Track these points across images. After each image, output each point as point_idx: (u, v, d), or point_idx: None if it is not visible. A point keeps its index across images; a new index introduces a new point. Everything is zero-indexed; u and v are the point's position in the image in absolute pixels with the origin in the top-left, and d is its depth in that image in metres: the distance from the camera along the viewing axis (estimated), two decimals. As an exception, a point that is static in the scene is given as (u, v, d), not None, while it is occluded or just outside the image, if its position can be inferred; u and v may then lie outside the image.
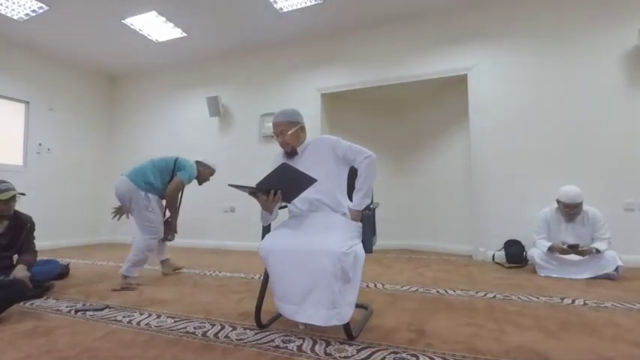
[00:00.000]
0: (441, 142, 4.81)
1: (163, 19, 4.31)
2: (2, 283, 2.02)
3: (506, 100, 3.89)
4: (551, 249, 3.02)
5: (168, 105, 5.73)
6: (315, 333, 1.66)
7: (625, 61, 3.49)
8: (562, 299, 2.25)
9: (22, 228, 2.50)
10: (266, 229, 1.86)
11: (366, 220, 1.76)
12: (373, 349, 1.47)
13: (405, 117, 5.17)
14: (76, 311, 2.05)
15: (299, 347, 1.51)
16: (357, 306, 1.77)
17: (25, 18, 4.21)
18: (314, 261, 1.50)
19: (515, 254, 3.55)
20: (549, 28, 3.78)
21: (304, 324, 1.69)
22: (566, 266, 2.96)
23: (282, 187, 1.67)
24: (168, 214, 3.13)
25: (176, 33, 4.64)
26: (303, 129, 1.94)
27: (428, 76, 4.24)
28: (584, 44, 3.64)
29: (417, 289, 2.54)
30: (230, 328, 1.75)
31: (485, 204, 3.90)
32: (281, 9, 4.08)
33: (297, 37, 4.77)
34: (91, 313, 2.02)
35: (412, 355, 1.41)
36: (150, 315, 1.98)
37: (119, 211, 3.08)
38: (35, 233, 2.62)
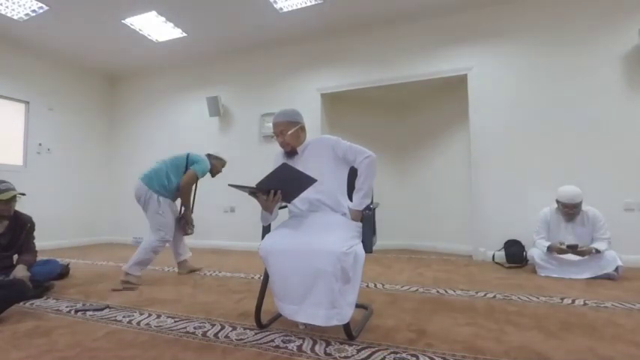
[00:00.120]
0: (441, 142, 4.81)
1: (163, 19, 4.31)
2: (2, 283, 2.02)
3: (506, 100, 3.89)
4: (549, 249, 3.02)
5: (168, 105, 5.73)
6: (315, 333, 1.66)
7: (625, 61, 3.49)
8: (562, 299, 2.25)
9: (22, 228, 2.50)
10: (266, 229, 1.86)
11: (366, 220, 1.76)
12: (373, 349, 1.47)
13: (405, 117, 5.17)
14: (76, 311, 2.05)
15: (299, 347, 1.51)
16: (357, 306, 1.77)
17: (25, 18, 4.21)
18: (314, 261, 1.50)
19: (515, 254, 3.55)
20: (549, 28, 3.78)
21: (304, 324, 1.69)
22: (566, 266, 2.96)
23: (282, 187, 1.67)
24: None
25: (176, 33, 4.64)
26: (303, 129, 1.94)
27: (428, 76, 4.24)
28: (584, 44, 3.64)
29: (417, 289, 2.54)
30: (230, 328, 1.75)
31: (485, 204, 3.90)
32: (281, 9, 4.08)
33: (297, 37, 4.77)
34: (91, 313, 2.02)
35: (412, 355, 1.41)
36: (150, 315, 1.98)
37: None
38: (35, 233, 2.62)
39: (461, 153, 4.42)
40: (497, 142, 3.89)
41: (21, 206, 2.52)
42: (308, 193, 1.74)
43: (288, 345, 1.53)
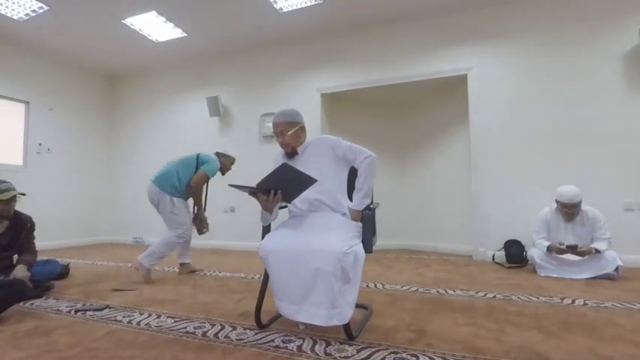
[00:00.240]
0: (441, 142, 4.81)
1: (163, 19, 4.31)
2: (2, 283, 2.02)
3: (506, 100, 3.89)
4: (549, 249, 3.02)
5: (168, 105, 5.73)
6: (315, 333, 1.66)
7: (625, 61, 3.49)
8: (562, 299, 2.25)
9: (22, 228, 2.50)
10: (266, 229, 1.86)
11: (366, 220, 1.76)
12: (373, 349, 1.47)
13: (405, 117, 5.17)
14: (76, 311, 2.05)
15: (299, 347, 1.51)
16: (357, 306, 1.77)
17: (25, 18, 4.21)
18: (314, 261, 1.50)
19: (515, 254, 3.55)
20: (549, 28, 3.78)
21: (304, 324, 1.69)
22: (566, 266, 2.96)
23: (282, 187, 1.67)
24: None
25: (176, 33, 4.64)
26: (303, 129, 1.94)
27: (428, 76, 4.25)
28: (584, 44, 3.64)
29: (417, 289, 2.54)
30: (230, 328, 1.75)
31: (485, 204, 3.90)
32: (281, 9, 4.08)
33: (297, 37, 4.77)
34: (91, 313, 2.02)
35: (412, 355, 1.41)
36: (150, 315, 1.98)
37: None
38: (35, 233, 2.62)
39: (461, 153, 4.42)
40: (498, 142, 3.89)
41: (21, 206, 2.52)
42: (308, 193, 1.74)
43: (288, 345, 1.53)
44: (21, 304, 2.16)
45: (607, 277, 2.82)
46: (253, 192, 1.68)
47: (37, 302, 2.24)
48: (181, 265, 3.27)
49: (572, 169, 3.55)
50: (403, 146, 5.16)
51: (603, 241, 2.94)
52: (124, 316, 1.96)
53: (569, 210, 3.04)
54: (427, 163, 4.97)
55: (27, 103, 5.06)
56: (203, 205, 3.23)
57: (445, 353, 1.43)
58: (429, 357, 1.40)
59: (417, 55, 4.31)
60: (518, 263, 3.49)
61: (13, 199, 2.41)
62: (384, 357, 1.40)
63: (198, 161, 3.11)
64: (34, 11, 4.08)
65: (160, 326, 1.79)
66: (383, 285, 2.68)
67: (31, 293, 2.22)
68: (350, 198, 1.87)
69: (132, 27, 4.47)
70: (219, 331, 1.71)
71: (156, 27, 4.49)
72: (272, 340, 1.58)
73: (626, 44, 3.48)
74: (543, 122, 3.72)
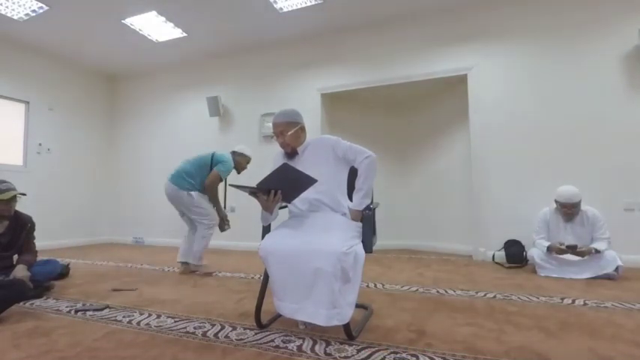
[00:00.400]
0: (441, 142, 4.81)
1: (163, 19, 4.31)
2: (2, 283, 2.02)
3: (506, 100, 3.89)
4: (549, 249, 3.02)
5: (168, 105, 5.73)
6: (315, 333, 1.66)
7: (625, 61, 3.49)
8: (562, 299, 2.25)
9: (22, 228, 2.50)
10: (266, 229, 1.86)
11: (366, 220, 1.76)
12: (373, 349, 1.47)
13: (405, 117, 5.17)
14: (76, 311, 2.05)
15: (299, 347, 1.51)
16: (357, 306, 1.77)
17: (25, 18, 4.21)
18: (314, 261, 1.50)
19: (515, 254, 3.55)
20: (549, 28, 3.78)
21: (304, 324, 1.70)
22: (566, 266, 2.96)
23: (282, 187, 1.67)
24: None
25: (176, 33, 4.64)
26: (303, 129, 1.94)
27: (428, 76, 4.24)
28: (584, 44, 3.64)
29: (417, 289, 2.54)
30: (230, 328, 1.75)
31: (485, 204, 3.90)
32: (281, 9, 4.08)
33: (297, 37, 4.77)
34: (91, 313, 2.02)
35: (412, 355, 1.41)
36: (150, 315, 1.98)
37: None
38: (35, 233, 2.61)
39: (461, 153, 4.42)
40: (497, 142, 3.89)
41: (21, 206, 2.52)
42: (308, 193, 1.74)
43: (288, 345, 1.53)
44: (21, 304, 2.16)
45: (607, 277, 2.82)
46: (253, 192, 1.68)
47: (37, 302, 2.24)
48: (182, 264, 3.27)
49: (572, 169, 3.56)
50: (403, 146, 5.16)
51: (603, 241, 2.94)
52: (124, 316, 1.96)
53: (569, 210, 3.04)
54: (427, 163, 4.97)
55: (27, 103, 5.05)
56: (223, 202, 3.31)
57: (445, 353, 1.43)
58: (429, 357, 1.40)
59: (417, 55, 4.31)
60: (518, 263, 3.49)
61: (14, 199, 2.41)
62: (384, 357, 1.40)
63: (213, 161, 3.15)
64: (34, 11, 4.08)
65: (160, 326, 1.79)
66: (383, 285, 2.68)
67: (31, 293, 2.22)
68: (350, 198, 1.87)
69: (132, 27, 4.47)
70: (219, 331, 1.71)
71: (156, 27, 4.50)
72: (272, 340, 1.58)
73: (626, 44, 3.48)
74: (543, 122, 3.72)
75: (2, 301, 1.90)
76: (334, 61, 4.71)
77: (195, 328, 1.76)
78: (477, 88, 4.02)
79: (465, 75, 4.09)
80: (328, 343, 1.54)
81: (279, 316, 1.84)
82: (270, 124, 2.23)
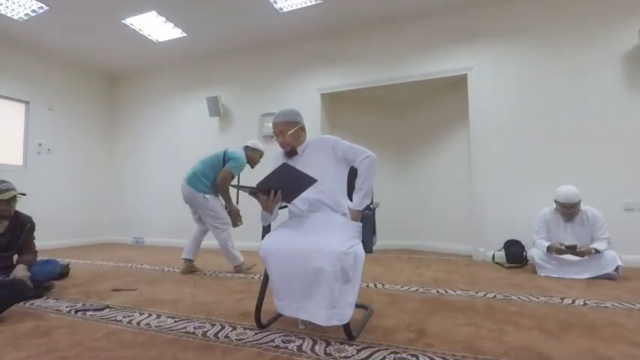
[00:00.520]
0: (441, 141, 4.81)
1: (163, 19, 4.31)
2: (2, 283, 2.02)
3: (506, 100, 3.89)
4: (549, 249, 3.02)
5: (168, 105, 5.73)
6: (315, 333, 1.66)
7: (625, 61, 3.49)
8: (562, 299, 2.25)
9: (22, 228, 2.50)
10: (266, 229, 1.86)
11: (366, 220, 1.76)
12: (373, 349, 1.47)
13: (405, 117, 5.17)
14: (76, 311, 2.05)
15: (299, 347, 1.51)
16: (357, 306, 1.77)
17: (25, 18, 4.21)
18: (314, 261, 1.50)
19: (515, 254, 3.55)
20: (549, 27, 3.78)
21: (304, 324, 1.70)
22: (566, 266, 2.96)
23: (282, 187, 1.67)
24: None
25: (176, 33, 4.64)
26: (303, 129, 1.94)
27: (428, 76, 4.24)
28: (584, 44, 3.64)
29: (417, 289, 2.54)
30: (230, 328, 1.75)
31: (485, 204, 3.90)
32: (281, 9, 4.08)
33: (297, 37, 4.77)
34: (91, 313, 2.02)
35: (412, 355, 1.41)
36: (150, 315, 1.98)
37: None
38: (35, 233, 2.61)
39: (461, 153, 4.42)
40: (497, 142, 3.89)
41: (21, 206, 2.52)
42: (308, 193, 1.74)
43: (288, 345, 1.53)
44: (21, 304, 2.16)
45: (607, 277, 2.82)
46: (253, 192, 1.68)
47: (37, 302, 2.24)
48: (185, 260, 3.28)
49: (572, 169, 3.56)
50: (403, 146, 5.16)
51: (603, 241, 2.94)
52: (124, 316, 1.96)
53: (568, 210, 3.04)
54: (427, 163, 4.97)
55: (27, 103, 5.05)
56: (235, 199, 3.34)
57: (445, 353, 1.43)
58: (429, 357, 1.40)
59: (417, 55, 4.31)
60: (518, 263, 3.49)
61: (14, 199, 2.41)
62: (384, 357, 1.40)
63: (225, 158, 3.19)
64: (34, 11, 4.08)
65: (160, 326, 1.79)
66: (383, 285, 2.68)
67: (31, 293, 2.22)
68: (350, 198, 1.87)
69: (132, 27, 4.47)
70: (219, 331, 1.72)
71: (156, 27, 4.49)
72: (272, 340, 1.58)
73: (626, 44, 3.48)
74: (543, 122, 3.72)
75: (2, 301, 1.90)
76: (334, 61, 4.71)
77: (195, 328, 1.76)
78: (476, 88, 4.02)
79: (465, 75, 4.09)
80: (328, 343, 1.54)
81: (279, 316, 1.84)
82: (270, 124, 2.23)
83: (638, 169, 3.38)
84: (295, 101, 4.65)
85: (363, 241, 1.70)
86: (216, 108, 5.09)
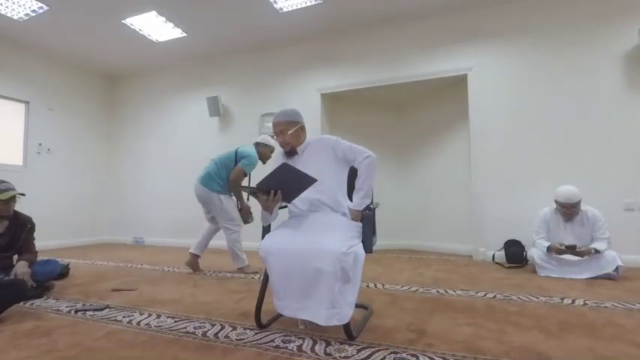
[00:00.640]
0: (441, 141, 4.81)
1: (163, 19, 4.31)
2: (2, 283, 2.02)
3: (506, 100, 3.89)
4: (549, 249, 3.02)
5: (168, 105, 5.73)
6: (315, 333, 1.66)
7: (625, 61, 3.49)
8: (562, 299, 2.25)
9: (22, 228, 2.50)
10: (266, 229, 1.86)
11: (366, 220, 1.76)
12: (373, 349, 1.47)
13: (405, 117, 5.17)
14: (76, 311, 2.05)
15: (299, 347, 1.51)
16: (357, 306, 1.77)
17: (25, 18, 4.21)
18: (314, 261, 1.50)
19: (515, 254, 3.55)
20: (549, 28, 3.78)
21: (304, 324, 1.70)
22: (566, 266, 2.96)
23: (282, 187, 1.67)
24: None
25: (176, 33, 4.64)
26: (303, 129, 1.94)
27: (428, 76, 4.25)
28: (584, 44, 3.64)
29: (417, 289, 2.54)
30: (230, 328, 1.75)
31: (485, 204, 3.90)
32: (281, 9, 4.08)
33: (297, 37, 4.77)
34: (91, 313, 2.02)
35: (412, 355, 1.41)
36: (150, 315, 1.98)
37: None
38: (35, 233, 2.61)
39: (461, 153, 4.42)
40: (497, 142, 3.89)
41: (21, 206, 2.52)
42: (308, 193, 1.74)
43: (288, 345, 1.53)
44: (21, 304, 2.16)
45: (607, 277, 2.82)
46: (254, 192, 1.68)
47: (37, 302, 2.24)
48: (191, 254, 3.30)
49: (572, 169, 3.56)
50: (403, 146, 5.16)
51: (603, 241, 2.94)
52: (124, 316, 1.96)
53: (568, 210, 3.04)
54: (427, 163, 4.97)
55: (27, 103, 5.05)
56: (247, 197, 3.37)
57: (445, 353, 1.43)
58: (429, 357, 1.40)
59: (417, 55, 4.31)
60: (518, 263, 3.49)
61: (13, 199, 2.41)
62: (384, 357, 1.40)
63: (237, 157, 3.21)
64: (34, 11, 4.08)
65: (160, 326, 1.79)
66: (383, 285, 2.68)
67: (31, 293, 2.22)
68: (350, 198, 1.87)
69: (132, 27, 4.47)
70: (219, 331, 1.71)
71: (156, 27, 4.49)
72: (272, 340, 1.58)
73: (626, 44, 3.48)
74: (543, 122, 3.72)
75: (2, 301, 1.90)
76: (334, 61, 4.71)
77: (195, 328, 1.76)
78: (476, 88, 4.02)
79: (465, 75, 4.09)
80: (328, 343, 1.54)
81: (279, 316, 1.84)
82: (270, 124, 2.23)
83: (638, 169, 3.38)
84: (295, 101, 4.65)
85: (363, 241, 1.70)
86: (216, 108, 5.09)
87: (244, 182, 3.23)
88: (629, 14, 3.50)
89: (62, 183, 5.37)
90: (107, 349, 1.52)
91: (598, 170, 3.48)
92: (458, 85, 4.27)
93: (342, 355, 1.43)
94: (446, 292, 2.47)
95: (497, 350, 1.46)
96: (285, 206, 1.95)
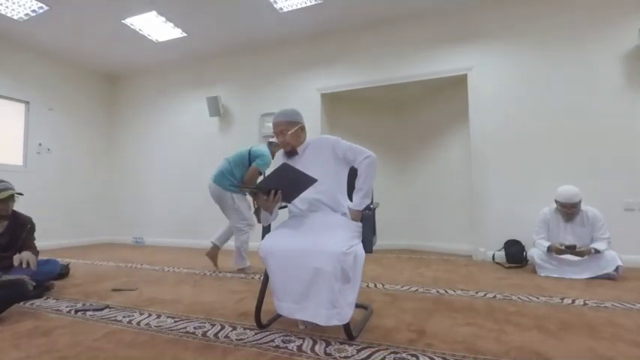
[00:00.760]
0: (441, 141, 4.81)
1: (163, 19, 4.31)
2: (2, 283, 2.02)
3: (506, 99, 3.89)
4: (549, 249, 3.02)
5: (168, 105, 5.73)
6: (315, 333, 1.66)
7: (625, 61, 3.49)
8: (562, 299, 2.25)
9: (21, 229, 2.50)
10: (266, 229, 1.86)
11: (366, 220, 1.76)
12: (373, 349, 1.47)
13: (405, 117, 5.17)
14: (76, 311, 2.05)
15: (299, 347, 1.51)
16: (357, 306, 1.77)
17: (25, 18, 4.21)
18: (314, 261, 1.50)
19: (515, 254, 3.55)
20: (549, 27, 3.78)
21: (304, 324, 1.70)
22: (566, 266, 2.96)
23: (282, 187, 1.67)
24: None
25: (176, 33, 4.64)
26: (303, 129, 1.94)
27: (428, 76, 4.24)
28: (584, 44, 3.64)
29: (417, 289, 2.54)
30: (230, 328, 1.75)
31: (485, 204, 3.90)
32: (281, 9, 4.08)
33: (297, 37, 4.77)
34: (91, 313, 2.02)
35: (412, 355, 1.41)
36: (150, 315, 1.98)
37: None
38: (35, 234, 2.61)
39: (461, 153, 4.42)
40: (498, 142, 3.89)
41: (21, 206, 2.52)
42: (308, 193, 1.75)
43: (288, 345, 1.53)
44: (21, 304, 2.16)
45: (607, 277, 2.82)
46: (254, 192, 1.68)
47: (37, 302, 2.24)
48: (213, 243, 3.38)
49: (572, 169, 3.56)
50: (403, 146, 5.16)
51: (603, 241, 2.94)
52: (124, 316, 1.96)
53: (568, 210, 3.04)
54: (427, 162, 4.97)
55: (27, 103, 5.05)
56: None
57: (445, 353, 1.43)
58: (429, 357, 1.40)
59: (417, 55, 4.31)
60: (518, 263, 3.49)
61: (11, 198, 2.41)
62: (384, 357, 1.40)
63: (251, 156, 3.23)
64: (34, 11, 4.08)
65: (160, 326, 1.79)
66: (383, 285, 2.68)
67: (31, 293, 2.22)
68: (350, 198, 1.87)
69: (132, 27, 4.47)
70: (219, 331, 1.72)
71: (156, 27, 4.49)
72: (272, 340, 1.58)
73: (626, 44, 3.48)
74: (543, 122, 3.72)
75: (2, 301, 1.90)
76: (334, 61, 4.71)
77: (195, 328, 1.76)
78: (476, 88, 4.02)
79: (465, 75, 4.09)
80: (328, 343, 1.54)
81: (279, 316, 1.84)
82: (270, 124, 2.23)
83: (638, 169, 3.38)
84: (295, 101, 4.65)
85: (363, 241, 1.70)
86: (216, 108, 5.09)
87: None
88: (629, 14, 3.50)
89: (62, 183, 5.37)
90: (107, 349, 1.52)
91: (598, 170, 3.48)
92: (458, 85, 4.27)
93: (342, 355, 1.43)
94: (446, 292, 2.47)
95: (497, 350, 1.46)
96: (285, 206, 1.95)
